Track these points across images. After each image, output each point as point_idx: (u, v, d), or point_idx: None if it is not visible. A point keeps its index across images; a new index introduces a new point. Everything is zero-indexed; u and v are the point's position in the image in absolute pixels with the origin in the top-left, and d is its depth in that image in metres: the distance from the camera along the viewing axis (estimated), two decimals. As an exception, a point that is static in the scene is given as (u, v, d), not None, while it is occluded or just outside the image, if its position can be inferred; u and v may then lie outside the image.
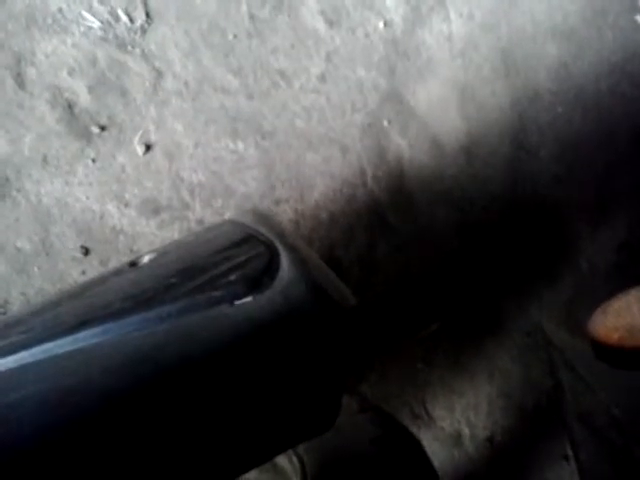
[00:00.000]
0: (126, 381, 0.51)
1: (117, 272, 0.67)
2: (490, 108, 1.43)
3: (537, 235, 1.51)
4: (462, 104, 1.40)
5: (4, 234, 1.01)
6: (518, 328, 1.51)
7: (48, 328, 0.55)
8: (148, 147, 1.11)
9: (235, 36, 1.18)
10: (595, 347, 0.91)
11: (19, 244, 1.02)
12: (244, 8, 1.18)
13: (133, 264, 0.67)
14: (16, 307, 1.01)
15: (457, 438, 1.46)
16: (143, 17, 1.10)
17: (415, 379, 1.40)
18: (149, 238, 1.11)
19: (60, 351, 0.52)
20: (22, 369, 0.51)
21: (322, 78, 1.26)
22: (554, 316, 1.53)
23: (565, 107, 1.52)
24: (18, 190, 1.02)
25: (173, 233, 1.13)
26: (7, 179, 1.01)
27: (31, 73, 1.03)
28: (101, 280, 0.66)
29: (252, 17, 1.19)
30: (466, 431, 1.47)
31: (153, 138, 1.12)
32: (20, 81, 1.02)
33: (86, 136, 1.07)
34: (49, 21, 1.04)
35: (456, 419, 1.46)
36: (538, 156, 1.49)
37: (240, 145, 1.19)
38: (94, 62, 1.07)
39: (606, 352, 0.89)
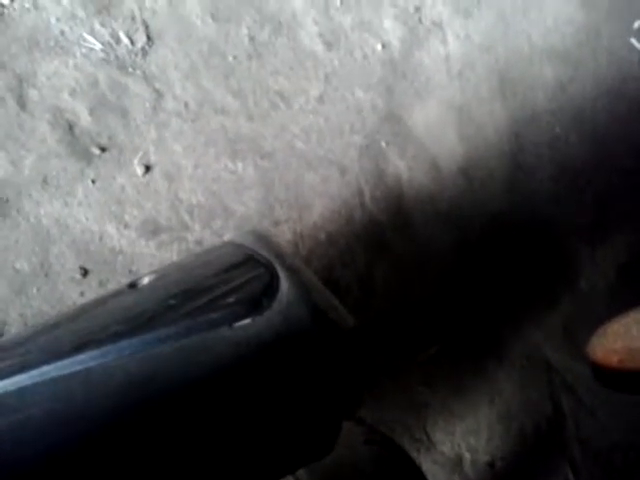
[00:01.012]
0: (125, 404, 0.51)
1: (116, 294, 0.67)
2: (488, 129, 1.44)
3: (536, 255, 1.51)
4: (460, 125, 1.41)
5: (3, 255, 1.01)
6: (518, 351, 1.50)
7: (47, 350, 0.55)
8: (148, 168, 1.11)
9: (235, 58, 1.19)
10: (594, 370, 0.91)
11: (18, 265, 1.02)
12: (244, 31, 1.19)
13: (132, 285, 0.67)
14: (14, 328, 1.00)
15: (458, 462, 1.45)
16: (144, 39, 1.12)
17: (415, 402, 1.39)
18: (148, 259, 1.11)
19: (59, 374, 0.52)
20: (20, 392, 0.51)
21: (321, 99, 1.27)
22: (553, 338, 1.52)
23: (562, 127, 1.53)
24: (18, 211, 1.02)
25: (172, 254, 1.13)
26: (7, 200, 1.01)
27: (33, 94, 1.03)
28: (100, 302, 0.65)
29: (252, 39, 1.20)
30: (467, 455, 1.45)
31: (153, 159, 1.12)
32: (22, 102, 1.03)
33: (86, 157, 1.07)
34: (51, 43, 1.05)
35: (456, 443, 1.45)
36: (536, 176, 1.50)
37: (239, 166, 1.19)
38: (95, 83, 1.08)
39: (606, 375, 0.89)
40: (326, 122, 1.27)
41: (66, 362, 0.53)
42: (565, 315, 1.55)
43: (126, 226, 1.10)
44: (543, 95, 1.51)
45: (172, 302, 0.61)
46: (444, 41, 1.40)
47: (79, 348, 0.54)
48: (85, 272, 1.06)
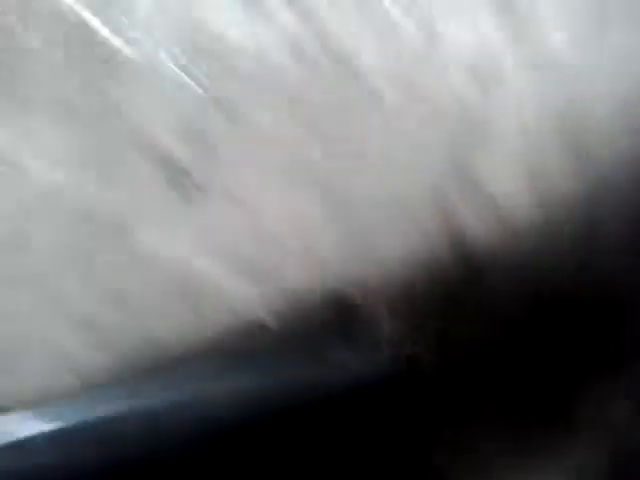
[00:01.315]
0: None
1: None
2: (560, 187, 1.44)
3: (608, 328, 1.47)
4: (531, 180, 1.40)
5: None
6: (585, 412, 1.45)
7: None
8: (238, 205, 1.14)
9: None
10: None
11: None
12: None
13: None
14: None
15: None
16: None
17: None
18: (241, 296, 1.13)
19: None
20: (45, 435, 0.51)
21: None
22: (623, 410, 1.46)
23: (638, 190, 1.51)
24: (114, 243, 1.04)
25: (262, 291, 1.14)
26: (102, 232, 1.04)
27: (131, 127, 1.07)
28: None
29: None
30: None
31: (243, 196, 1.15)
32: (120, 133, 1.06)
33: (181, 193, 1.10)
34: (155, 78, 1.09)
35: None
36: (608, 242, 1.48)
37: (320, 209, 1.21)
38: (194, 122, 1.11)
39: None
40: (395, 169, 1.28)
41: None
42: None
43: (217, 262, 1.13)
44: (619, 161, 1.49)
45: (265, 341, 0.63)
46: (515, 95, 1.41)
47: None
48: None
